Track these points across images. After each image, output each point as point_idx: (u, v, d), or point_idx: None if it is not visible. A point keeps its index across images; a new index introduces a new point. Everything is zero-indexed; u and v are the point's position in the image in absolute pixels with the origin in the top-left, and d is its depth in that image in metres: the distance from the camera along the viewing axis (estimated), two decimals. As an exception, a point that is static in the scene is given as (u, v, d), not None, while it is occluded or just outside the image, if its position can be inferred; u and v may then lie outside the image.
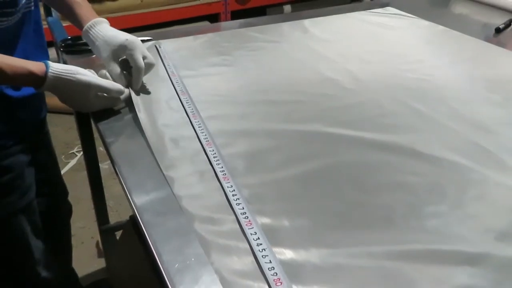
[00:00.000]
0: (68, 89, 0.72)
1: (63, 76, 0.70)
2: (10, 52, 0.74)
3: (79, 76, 0.71)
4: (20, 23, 0.76)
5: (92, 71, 0.76)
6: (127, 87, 0.80)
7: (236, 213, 0.58)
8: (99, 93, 0.74)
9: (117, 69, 0.78)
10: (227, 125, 0.77)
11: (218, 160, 0.67)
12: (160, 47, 1.03)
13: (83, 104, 0.75)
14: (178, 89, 0.86)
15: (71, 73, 0.71)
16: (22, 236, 0.88)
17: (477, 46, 1.14)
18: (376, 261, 0.53)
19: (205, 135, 0.73)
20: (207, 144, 0.71)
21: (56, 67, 0.70)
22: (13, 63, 0.68)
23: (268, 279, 0.49)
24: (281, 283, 0.48)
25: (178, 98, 0.84)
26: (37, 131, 0.94)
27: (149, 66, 0.81)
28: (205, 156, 0.69)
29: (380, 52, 1.07)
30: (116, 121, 0.77)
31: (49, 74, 0.69)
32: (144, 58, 0.80)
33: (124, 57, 0.80)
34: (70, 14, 0.85)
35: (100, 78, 0.75)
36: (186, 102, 0.82)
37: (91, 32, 0.81)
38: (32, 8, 0.78)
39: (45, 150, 1.00)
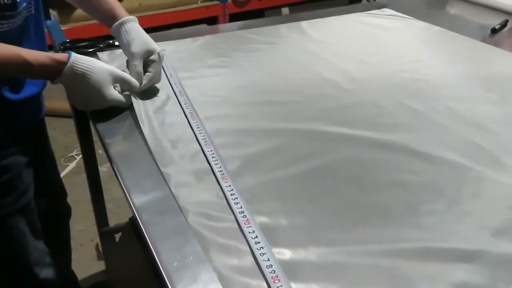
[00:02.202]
0: (87, 76, 0.72)
1: (84, 62, 0.72)
2: None
3: (100, 63, 0.75)
4: (22, 28, 0.76)
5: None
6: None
7: (235, 212, 0.58)
8: (115, 86, 0.76)
9: (141, 67, 0.82)
10: (226, 126, 0.78)
11: (216, 160, 0.68)
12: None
13: (96, 97, 0.74)
14: (176, 90, 0.87)
15: (92, 60, 0.74)
16: (20, 236, 0.88)
17: (474, 47, 1.15)
18: (374, 259, 0.53)
19: (203, 135, 0.73)
20: (206, 145, 0.71)
21: (78, 55, 0.73)
22: (34, 52, 0.71)
23: (267, 277, 0.49)
24: (279, 280, 0.49)
25: (176, 100, 0.84)
26: (36, 132, 0.95)
27: (158, 81, 0.87)
28: (204, 156, 0.69)
29: (378, 53, 1.08)
30: (115, 122, 0.77)
31: (72, 58, 0.72)
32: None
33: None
34: (96, 7, 0.87)
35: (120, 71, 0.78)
36: (185, 103, 0.82)
37: (127, 26, 0.84)
38: (33, 12, 0.79)
39: (44, 152, 1.01)
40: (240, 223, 0.56)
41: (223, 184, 0.63)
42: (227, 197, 0.61)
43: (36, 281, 0.94)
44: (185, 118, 0.78)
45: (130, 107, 0.80)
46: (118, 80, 0.77)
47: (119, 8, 0.87)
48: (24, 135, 0.86)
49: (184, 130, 0.75)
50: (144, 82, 0.82)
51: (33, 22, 0.80)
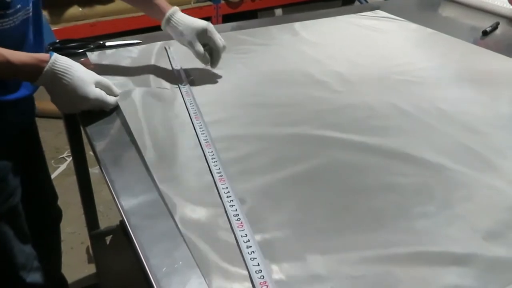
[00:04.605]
0: (69, 73, 0.72)
1: (64, 60, 0.72)
2: None
3: (81, 65, 0.75)
4: (20, 29, 0.75)
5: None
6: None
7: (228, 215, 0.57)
8: (97, 88, 0.76)
9: (201, 48, 0.89)
10: (217, 128, 0.77)
11: (216, 161, 0.67)
12: (169, 48, 1.03)
13: (79, 96, 0.73)
14: (183, 91, 0.87)
15: (73, 61, 0.74)
16: (4, 240, 0.86)
17: (465, 49, 1.15)
18: (367, 265, 0.52)
19: (206, 136, 0.73)
20: (207, 146, 0.71)
21: (59, 55, 0.73)
22: (16, 52, 0.71)
23: (254, 282, 0.49)
24: (267, 286, 0.48)
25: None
26: (26, 133, 0.93)
27: (224, 47, 0.92)
28: (201, 157, 0.68)
29: (370, 55, 1.08)
30: (105, 124, 0.76)
31: (53, 56, 0.71)
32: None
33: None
34: (147, 6, 0.93)
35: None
36: (190, 103, 0.83)
37: (173, 19, 0.90)
38: (30, 14, 0.78)
39: (34, 154, 0.99)
40: (233, 225, 0.56)
41: (220, 186, 0.62)
42: (222, 199, 0.60)
43: (23, 285, 0.92)
44: (181, 120, 0.78)
45: (118, 110, 0.79)
46: (99, 85, 0.77)
47: (163, 5, 0.91)
48: (13, 137, 0.85)
49: (182, 130, 0.75)
50: (215, 59, 0.91)
51: (30, 25, 0.79)
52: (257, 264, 0.50)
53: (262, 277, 0.49)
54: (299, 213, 0.60)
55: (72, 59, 0.74)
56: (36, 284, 0.94)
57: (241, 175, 0.66)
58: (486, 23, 1.30)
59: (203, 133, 0.74)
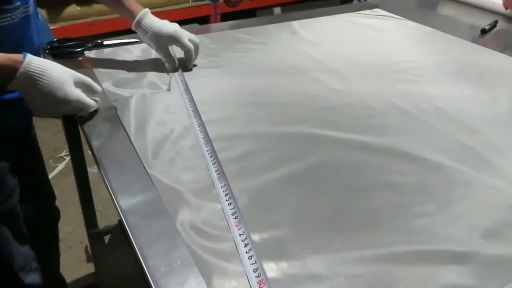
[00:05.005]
0: (45, 74, 0.68)
1: (40, 61, 0.68)
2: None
3: (58, 64, 0.71)
4: (19, 27, 0.75)
5: None
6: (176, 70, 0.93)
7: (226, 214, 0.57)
8: (78, 88, 0.72)
9: (170, 55, 0.91)
10: (215, 126, 0.76)
11: (214, 160, 0.67)
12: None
13: (58, 97, 0.69)
14: (182, 89, 0.87)
15: (49, 61, 0.70)
16: (1, 242, 0.86)
17: (464, 47, 1.15)
18: (367, 265, 0.52)
19: (204, 135, 0.73)
20: (205, 144, 0.71)
21: (34, 57, 0.69)
22: None
23: (251, 281, 0.48)
24: (263, 284, 0.48)
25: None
26: (23, 134, 0.93)
27: (196, 46, 0.93)
28: (199, 156, 0.68)
29: (368, 53, 1.08)
30: (103, 123, 0.76)
31: (28, 57, 0.67)
32: (189, 40, 0.92)
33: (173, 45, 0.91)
34: (119, 7, 0.91)
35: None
36: (189, 102, 0.83)
37: (142, 23, 0.89)
38: (30, 12, 0.77)
39: (32, 155, 0.99)
40: (231, 225, 0.56)
41: (218, 185, 0.62)
42: (221, 199, 0.60)
43: (21, 286, 0.92)
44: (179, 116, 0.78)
45: (114, 109, 0.79)
46: (80, 84, 0.73)
47: (133, 8, 0.90)
48: (10, 137, 0.84)
49: (181, 129, 0.75)
50: (187, 61, 0.92)
51: (32, 26, 0.78)
52: (254, 262, 0.50)
53: (259, 275, 0.49)
54: (297, 212, 0.60)
55: (69, 59, 0.73)
56: (34, 285, 0.94)
57: (239, 174, 0.65)
58: (484, 22, 1.30)
59: (202, 132, 0.74)
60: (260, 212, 0.59)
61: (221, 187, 0.62)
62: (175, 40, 0.90)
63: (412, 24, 1.28)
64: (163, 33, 0.88)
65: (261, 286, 0.48)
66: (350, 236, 0.56)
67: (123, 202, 0.59)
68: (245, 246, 0.53)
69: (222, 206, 0.59)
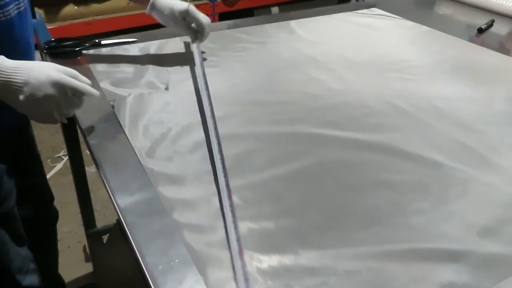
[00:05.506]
0: (31, 69, 0.62)
1: (12, 62, 0.63)
2: (9, 52, 0.66)
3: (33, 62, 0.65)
4: (13, 25, 0.74)
5: None
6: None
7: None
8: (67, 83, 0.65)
9: (189, 25, 0.97)
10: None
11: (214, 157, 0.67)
12: (192, 43, 1.01)
13: (42, 91, 0.63)
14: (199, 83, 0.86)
15: (22, 62, 0.64)
16: (0, 244, 0.85)
17: (461, 46, 1.16)
18: (363, 261, 0.53)
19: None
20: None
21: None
22: None
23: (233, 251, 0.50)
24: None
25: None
26: (20, 134, 0.93)
27: (207, 21, 0.98)
28: (197, 155, 0.68)
29: (366, 53, 1.08)
30: (101, 123, 0.76)
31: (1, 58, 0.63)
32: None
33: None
34: None
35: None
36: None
37: (157, 4, 0.95)
38: (22, 9, 0.76)
39: (29, 155, 0.98)
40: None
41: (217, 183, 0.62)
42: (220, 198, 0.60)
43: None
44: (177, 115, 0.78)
45: (114, 108, 0.79)
46: (67, 73, 0.67)
47: None
48: (8, 138, 0.83)
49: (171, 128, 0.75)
50: (201, 34, 0.97)
51: (27, 24, 0.77)
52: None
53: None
54: (295, 210, 0.60)
55: (67, 58, 0.73)
56: (33, 287, 0.93)
57: (237, 172, 0.66)
58: (481, 21, 1.30)
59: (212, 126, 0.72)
60: (259, 210, 0.60)
61: (220, 186, 0.62)
62: (189, 14, 0.95)
63: (410, 23, 1.28)
64: (179, 9, 0.95)
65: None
66: (347, 233, 0.57)
67: (121, 201, 0.59)
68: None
69: (220, 205, 0.59)
